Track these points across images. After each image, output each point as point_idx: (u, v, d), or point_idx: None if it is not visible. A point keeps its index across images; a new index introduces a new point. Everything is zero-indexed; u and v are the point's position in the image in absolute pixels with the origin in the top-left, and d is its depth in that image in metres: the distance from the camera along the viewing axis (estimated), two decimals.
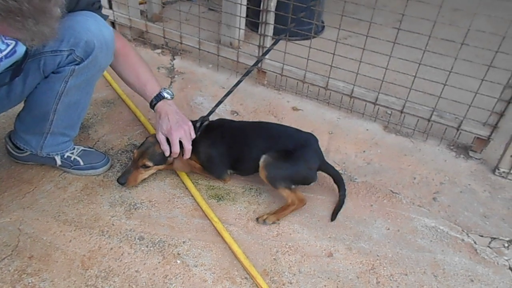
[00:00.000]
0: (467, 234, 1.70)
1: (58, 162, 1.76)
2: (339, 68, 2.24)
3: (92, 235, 1.56)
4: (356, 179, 1.92)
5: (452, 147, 2.15)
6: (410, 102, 2.14)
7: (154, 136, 1.72)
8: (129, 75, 1.71)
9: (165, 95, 1.70)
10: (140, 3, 3.09)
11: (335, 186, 1.82)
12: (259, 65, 2.40)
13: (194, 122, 1.79)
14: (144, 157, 1.69)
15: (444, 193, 1.88)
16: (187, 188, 1.78)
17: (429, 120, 2.12)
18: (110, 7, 2.82)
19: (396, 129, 2.25)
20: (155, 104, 1.70)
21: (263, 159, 1.65)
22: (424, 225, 1.72)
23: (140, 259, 1.49)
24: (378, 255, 1.58)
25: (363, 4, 2.05)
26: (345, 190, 1.74)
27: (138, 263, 1.48)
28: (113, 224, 1.61)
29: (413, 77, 2.05)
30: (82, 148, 1.82)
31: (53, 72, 1.53)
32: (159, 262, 1.49)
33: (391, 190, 1.88)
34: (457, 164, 2.06)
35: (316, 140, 1.77)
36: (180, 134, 1.66)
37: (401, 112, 2.17)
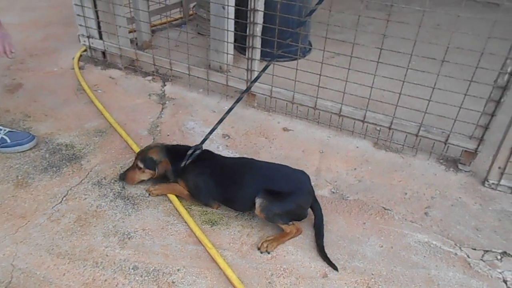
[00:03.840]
0: (460, 248, 1.71)
1: None
2: (327, 88, 2.29)
3: (86, 267, 1.55)
4: (348, 197, 1.94)
5: (441, 161, 2.18)
6: (397, 118, 2.18)
7: (156, 146, 1.91)
8: None
9: None
10: (130, 32, 3.14)
11: (328, 206, 1.84)
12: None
13: (188, 149, 1.87)
14: (138, 158, 1.88)
15: (436, 207, 1.90)
16: (180, 215, 1.79)
17: (417, 136, 2.15)
18: (101, 38, 2.88)
19: (386, 145, 2.28)
20: None
21: (258, 203, 1.68)
22: (417, 241, 1.73)
23: None
24: (372, 273, 1.59)
25: (347, 27, 2.11)
26: (323, 236, 1.70)
27: None
28: (107, 255, 1.61)
29: (399, 94, 2.09)
30: (9, 129, 2.04)
31: None
32: None
33: (383, 207, 1.89)
34: (447, 177, 2.08)
35: (309, 179, 1.78)
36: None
37: (389, 128, 2.21)
